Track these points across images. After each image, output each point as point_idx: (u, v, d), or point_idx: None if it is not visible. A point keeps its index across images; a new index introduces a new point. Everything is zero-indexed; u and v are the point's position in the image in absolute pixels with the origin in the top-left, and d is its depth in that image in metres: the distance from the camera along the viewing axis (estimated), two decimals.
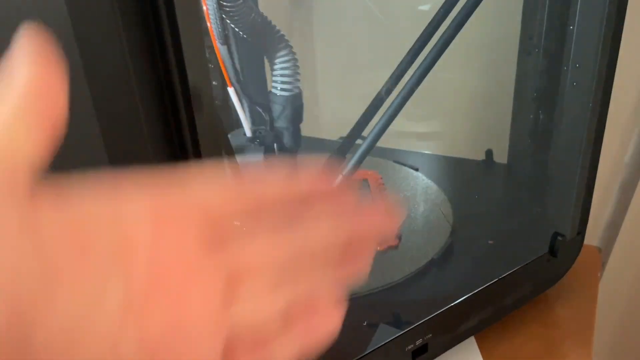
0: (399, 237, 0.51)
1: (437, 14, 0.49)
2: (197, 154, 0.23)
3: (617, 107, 0.66)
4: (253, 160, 0.42)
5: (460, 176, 0.65)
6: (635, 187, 0.70)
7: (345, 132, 0.62)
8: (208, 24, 0.39)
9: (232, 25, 0.40)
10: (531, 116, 0.56)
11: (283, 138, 0.43)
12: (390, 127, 0.55)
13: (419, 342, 0.43)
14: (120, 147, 0.22)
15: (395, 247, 0.51)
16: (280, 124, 0.43)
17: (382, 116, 0.46)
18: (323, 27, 0.67)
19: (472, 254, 0.51)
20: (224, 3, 0.38)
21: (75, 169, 0.22)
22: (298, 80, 0.42)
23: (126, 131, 0.21)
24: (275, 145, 0.43)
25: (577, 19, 0.43)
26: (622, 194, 0.71)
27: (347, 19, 0.65)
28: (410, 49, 0.51)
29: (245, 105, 0.42)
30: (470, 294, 0.45)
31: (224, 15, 0.39)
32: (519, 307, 0.51)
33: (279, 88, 0.42)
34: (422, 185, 0.61)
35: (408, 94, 0.45)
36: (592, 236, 0.75)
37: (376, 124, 0.46)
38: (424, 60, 0.46)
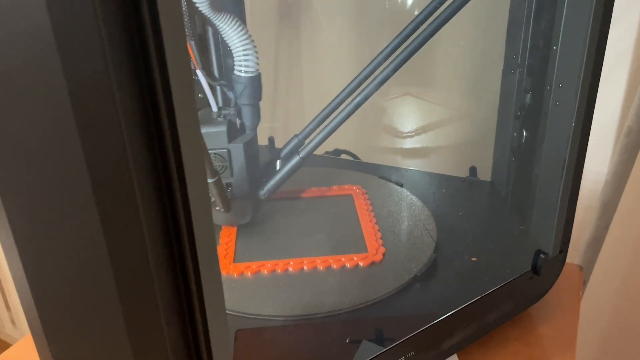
0: (383, 253, 0.51)
1: (410, 23, 0.51)
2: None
3: (599, 126, 0.67)
4: (217, 130, 0.50)
5: (444, 193, 0.65)
6: (616, 206, 0.71)
7: (330, 146, 0.62)
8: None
9: (206, 22, 0.47)
10: (515, 134, 0.57)
11: (244, 113, 0.52)
12: (376, 143, 0.56)
13: (401, 359, 0.43)
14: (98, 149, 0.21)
15: (379, 263, 0.50)
16: (242, 100, 0.51)
17: (339, 113, 0.53)
18: (310, 40, 0.68)
19: (455, 271, 0.51)
20: (198, 8, 0.45)
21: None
22: (257, 63, 0.50)
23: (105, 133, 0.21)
24: (237, 119, 0.52)
25: (560, 39, 0.44)
26: (603, 212, 0.71)
27: (334, 33, 0.66)
28: (378, 55, 0.54)
29: (212, 85, 0.51)
30: (454, 311, 0.45)
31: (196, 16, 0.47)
32: (502, 325, 0.51)
33: (242, 70, 0.50)
34: (407, 201, 0.61)
35: (366, 95, 0.53)
36: (574, 254, 0.75)
37: (332, 120, 0.53)
38: (388, 65, 0.51)
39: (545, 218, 0.50)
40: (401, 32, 0.52)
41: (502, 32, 0.56)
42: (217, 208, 0.51)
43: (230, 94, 0.51)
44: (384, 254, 0.51)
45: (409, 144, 0.71)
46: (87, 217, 0.22)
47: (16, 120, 0.21)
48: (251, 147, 0.52)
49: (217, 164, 0.51)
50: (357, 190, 0.62)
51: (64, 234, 0.23)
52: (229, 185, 0.52)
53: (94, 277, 0.24)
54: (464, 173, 0.66)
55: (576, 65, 0.43)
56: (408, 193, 0.62)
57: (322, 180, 0.64)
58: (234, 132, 0.51)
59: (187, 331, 0.26)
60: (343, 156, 0.70)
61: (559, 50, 0.45)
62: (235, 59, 0.49)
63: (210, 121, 0.51)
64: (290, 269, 0.50)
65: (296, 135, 0.55)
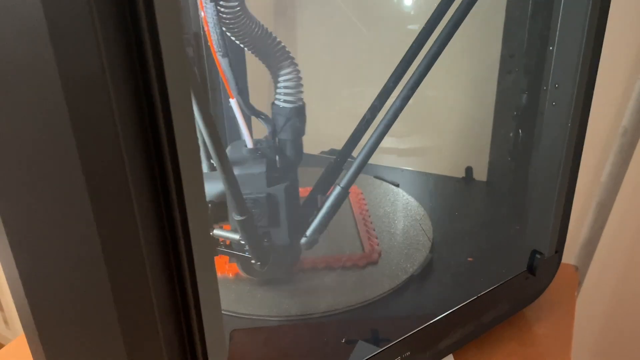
0: (379, 253, 0.51)
1: (422, 29, 0.49)
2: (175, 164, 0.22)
3: (595, 127, 0.67)
4: (254, 171, 0.42)
5: (440, 193, 0.65)
6: (611, 207, 0.71)
7: (326, 146, 0.62)
8: (208, 37, 0.40)
9: (233, 38, 0.40)
10: (511, 134, 0.57)
11: (285, 150, 0.44)
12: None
13: (397, 359, 0.43)
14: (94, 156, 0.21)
15: (375, 263, 0.50)
16: (283, 135, 0.43)
17: (372, 135, 0.47)
18: (306, 37, 0.68)
19: (451, 271, 0.51)
20: (224, 16, 0.38)
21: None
22: (301, 92, 0.42)
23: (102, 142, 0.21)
24: (277, 157, 0.43)
25: (557, 39, 0.44)
26: (598, 213, 0.72)
27: (330, 30, 0.66)
28: (396, 68, 0.51)
29: (247, 117, 0.43)
30: (450, 311, 0.45)
31: (224, 28, 0.39)
32: (497, 325, 0.51)
33: (282, 100, 0.42)
34: (403, 201, 0.61)
35: (396, 111, 0.46)
36: (569, 255, 0.75)
37: (366, 143, 0.47)
38: (410, 77, 0.46)
39: (541, 218, 0.50)
40: (409, 49, 0.49)
41: (499, 32, 0.56)
42: (253, 261, 0.45)
43: (269, 127, 0.43)
44: (380, 254, 0.51)
45: (405, 144, 0.71)
46: (82, 217, 0.22)
47: (10, 120, 0.21)
48: (293, 190, 0.44)
49: (253, 210, 0.43)
50: (353, 190, 0.62)
51: (58, 234, 0.23)
52: (266, 235, 0.44)
53: (88, 277, 0.23)
54: (460, 173, 0.66)
55: (572, 65, 0.43)
56: (404, 193, 0.62)
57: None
58: (273, 173, 0.43)
59: (182, 331, 0.26)
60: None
61: (555, 50, 0.45)
62: (276, 85, 0.42)
63: (246, 160, 0.43)
64: None
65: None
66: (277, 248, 0.45)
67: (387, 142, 0.60)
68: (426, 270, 0.50)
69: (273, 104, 0.43)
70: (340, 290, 0.48)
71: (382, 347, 0.42)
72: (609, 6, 0.41)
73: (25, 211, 0.23)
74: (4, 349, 0.54)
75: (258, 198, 0.42)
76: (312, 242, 0.46)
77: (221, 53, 0.40)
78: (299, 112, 0.43)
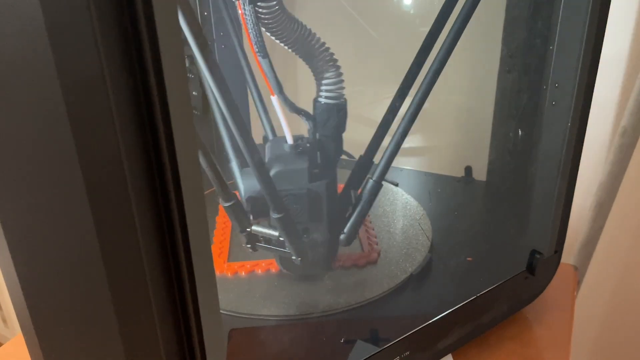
0: (378, 253, 0.51)
1: (429, 31, 0.49)
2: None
3: (595, 127, 0.67)
4: (296, 167, 0.43)
5: (440, 192, 0.65)
6: (611, 206, 0.71)
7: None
8: (247, 38, 0.40)
9: (273, 38, 0.40)
10: (510, 134, 0.57)
11: (327, 146, 0.44)
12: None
13: (396, 359, 0.43)
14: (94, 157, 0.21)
15: (374, 263, 0.50)
16: (325, 132, 0.44)
17: (395, 131, 0.48)
18: None
19: (450, 271, 0.51)
20: (263, 17, 0.39)
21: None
22: (343, 88, 0.43)
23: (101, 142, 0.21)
24: (318, 153, 0.44)
25: (557, 39, 0.44)
26: (598, 213, 0.71)
27: (331, 30, 0.65)
28: (406, 75, 0.50)
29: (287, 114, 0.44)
30: (449, 311, 0.45)
31: (263, 29, 0.39)
32: (497, 325, 0.51)
33: (324, 97, 0.43)
34: (402, 200, 0.61)
35: (417, 107, 0.48)
36: (568, 255, 0.75)
37: (391, 140, 0.48)
38: (425, 75, 0.46)
39: (540, 218, 0.50)
40: (419, 51, 0.48)
41: (499, 32, 0.56)
42: (293, 258, 0.45)
43: (309, 124, 0.44)
44: (379, 254, 0.51)
45: (404, 143, 0.71)
46: (80, 216, 0.22)
47: (9, 119, 0.21)
48: (333, 186, 0.45)
49: (294, 206, 0.43)
50: None
51: (56, 233, 0.23)
52: (306, 231, 0.45)
53: (87, 276, 0.23)
54: (459, 173, 0.66)
55: (572, 65, 0.43)
56: (403, 192, 0.62)
57: None
58: (314, 170, 0.44)
59: (180, 331, 0.26)
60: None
61: (555, 50, 0.45)
62: (318, 83, 0.42)
63: (287, 157, 0.43)
64: None
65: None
66: (317, 244, 0.46)
67: (386, 141, 0.60)
68: (425, 270, 0.50)
69: (315, 100, 0.44)
70: (339, 290, 0.48)
71: (381, 347, 0.41)
72: (609, 5, 0.41)
73: (24, 212, 0.23)
74: (2, 347, 0.54)
75: (299, 194, 0.43)
76: (351, 237, 0.47)
77: (262, 54, 0.40)
78: (341, 109, 0.44)
